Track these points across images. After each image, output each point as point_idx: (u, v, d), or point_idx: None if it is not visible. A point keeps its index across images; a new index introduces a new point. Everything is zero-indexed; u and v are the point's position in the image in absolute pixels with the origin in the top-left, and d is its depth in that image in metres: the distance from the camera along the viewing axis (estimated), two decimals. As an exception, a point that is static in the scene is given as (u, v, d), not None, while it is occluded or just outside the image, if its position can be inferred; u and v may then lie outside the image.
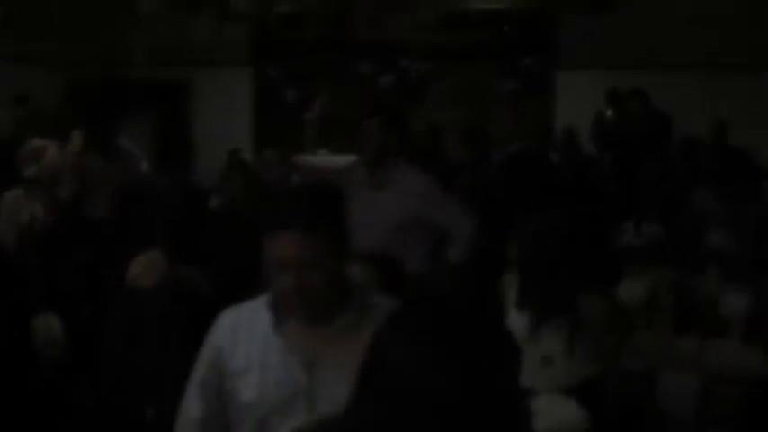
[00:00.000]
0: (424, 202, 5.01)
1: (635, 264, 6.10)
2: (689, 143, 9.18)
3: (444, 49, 12.99)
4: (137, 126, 11.07)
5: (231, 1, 12.06)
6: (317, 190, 2.50)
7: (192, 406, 2.57)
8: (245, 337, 2.51)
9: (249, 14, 12.41)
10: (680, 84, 11.54)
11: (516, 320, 3.63)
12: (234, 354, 2.51)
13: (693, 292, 5.30)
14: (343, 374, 2.37)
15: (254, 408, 2.47)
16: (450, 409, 1.54)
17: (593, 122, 10.97)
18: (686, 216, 7.05)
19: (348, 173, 5.50)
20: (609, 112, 10.87)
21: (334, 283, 2.42)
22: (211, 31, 12.39)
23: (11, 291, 3.61)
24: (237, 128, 12.70)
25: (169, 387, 2.84)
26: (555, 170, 7.82)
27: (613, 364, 3.74)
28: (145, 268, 3.43)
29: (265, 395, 2.46)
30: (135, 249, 3.49)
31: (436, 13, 12.41)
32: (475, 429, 1.55)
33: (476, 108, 12.75)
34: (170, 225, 3.81)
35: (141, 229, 3.71)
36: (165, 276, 3.46)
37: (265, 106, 13.50)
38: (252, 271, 2.66)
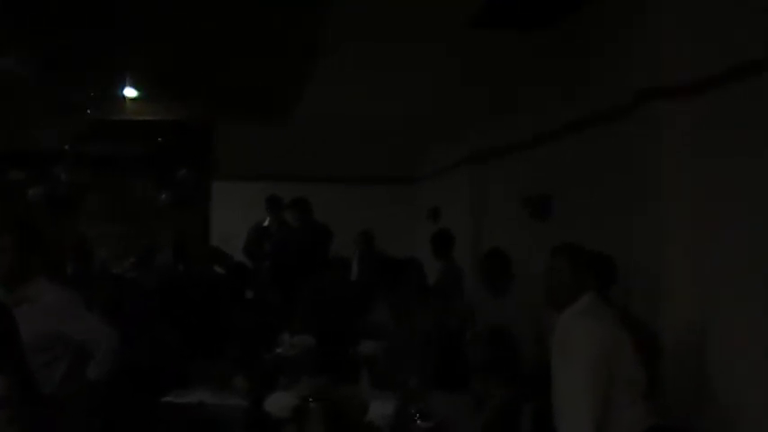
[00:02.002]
0: (62, 319, 4.80)
1: (288, 374, 6.10)
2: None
3: (99, 160, 12.67)
4: None
5: None
6: None
7: None
8: None
9: None
10: (336, 195, 11.95)
11: None
12: None
13: (344, 400, 5.33)
14: None
15: None
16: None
17: (249, 232, 10.90)
18: (337, 325, 7.18)
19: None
20: (267, 222, 10.86)
21: None
22: None
23: None
24: None
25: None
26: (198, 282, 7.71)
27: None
28: None
29: None
30: None
31: (87, 123, 12.05)
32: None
33: (132, 219, 12.49)
34: None
35: None
36: None
37: None
38: None
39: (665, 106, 5.38)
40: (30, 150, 12.72)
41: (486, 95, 9.27)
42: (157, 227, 12.46)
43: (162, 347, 6.47)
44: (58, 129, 12.23)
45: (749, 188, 4.71)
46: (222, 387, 6.02)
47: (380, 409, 5.01)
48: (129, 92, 10.82)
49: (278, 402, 5.13)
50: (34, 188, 12.65)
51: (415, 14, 7.04)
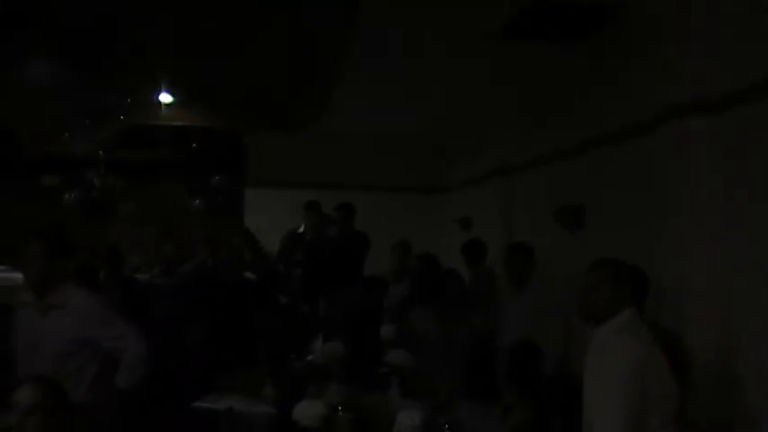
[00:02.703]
0: (90, 325, 4.80)
1: (318, 381, 6.08)
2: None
3: (133, 166, 12.74)
4: None
5: None
6: None
7: None
8: None
9: None
10: (366, 204, 11.88)
11: None
12: None
13: (372, 409, 5.31)
14: None
15: None
16: None
17: (283, 239, 10.83)
18: (368, 334, 7.15)
19: (17, 292, 5.19)
20: (301, 228, 10.76)
21: None
22: None
23: None
24: None
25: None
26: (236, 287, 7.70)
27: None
28: None
29: None
30: None
31: (122, 129, 12.11)
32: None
33: (165, 225, 12.54)
34: None
35: None
36: None
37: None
38: None
39: (692, 122, 5.32)
40: (64, 155, 12.78)
41: (516, 107, 9.24)
42: (191, 233, 12.48)
43: (186, 352, 6.48)
44: (93, 134, 12.29)
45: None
46: (251, 394, 6.01)
47: (409, 419, 4.97)
48: (165, 97, 10.86)
49: (306, 411, 5.11)
50: (68, 193, 12.72)
51: (446, 26, 7.03)
